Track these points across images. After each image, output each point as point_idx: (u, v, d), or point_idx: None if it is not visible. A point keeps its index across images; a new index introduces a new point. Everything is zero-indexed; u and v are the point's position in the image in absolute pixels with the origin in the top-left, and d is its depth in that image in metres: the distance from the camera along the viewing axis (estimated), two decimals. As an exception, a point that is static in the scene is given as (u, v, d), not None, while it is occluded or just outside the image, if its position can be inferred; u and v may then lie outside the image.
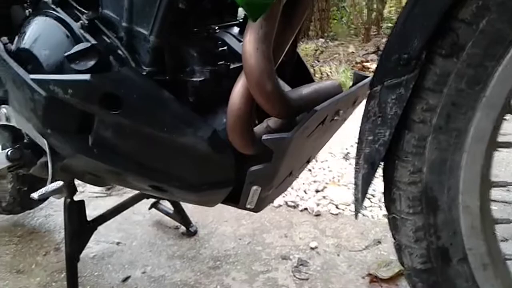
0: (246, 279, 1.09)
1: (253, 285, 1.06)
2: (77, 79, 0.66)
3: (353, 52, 3.74)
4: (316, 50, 3.74)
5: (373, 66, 3.21)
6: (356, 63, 3.33)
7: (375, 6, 4.30)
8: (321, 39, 4.35)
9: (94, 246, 1.31)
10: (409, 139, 0.52)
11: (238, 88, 0.60)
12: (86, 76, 0.65)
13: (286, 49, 0.65)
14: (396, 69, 0.49)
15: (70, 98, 0.68)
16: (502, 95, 0.48)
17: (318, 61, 3.46)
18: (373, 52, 3.61)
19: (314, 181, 1.58)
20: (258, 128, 0.70)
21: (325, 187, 1.54)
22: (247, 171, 0.69)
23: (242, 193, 0.74)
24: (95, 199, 1.65)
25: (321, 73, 2.98)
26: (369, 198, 1.45)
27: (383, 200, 1.41)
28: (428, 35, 0.46)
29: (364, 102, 0.80)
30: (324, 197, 1.48)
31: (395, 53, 0.49)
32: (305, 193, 1.52)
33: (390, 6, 4.57)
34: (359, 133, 0.56)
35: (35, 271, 1.22)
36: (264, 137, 0.62)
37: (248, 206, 0.78)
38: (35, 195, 0.73)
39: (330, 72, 2.98)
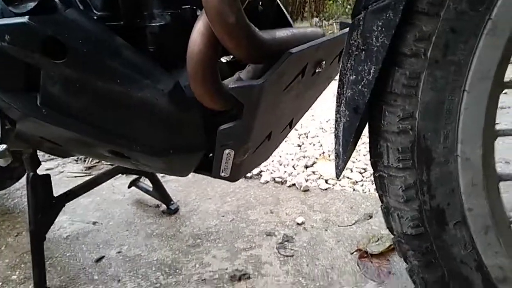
0: (228, 257, 1.01)
1: (234, 262, 0.98)
2: (14, 23, 0.57)
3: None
4: (309, 28, 3.63)
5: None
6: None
7: (370, -17, 4.17)
8: (315, 19, 4.23)
9: (68, 226, 1.23)
10: (398, 78, 0.43)
11: (198, 26, 0.51)
12: (24, 19, 0.56)
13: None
14: (383, -13, 0.40)
15: (8, 46, 0.58)
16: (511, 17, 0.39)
17: (311, 39, 3.35)
18: (368, 30, 3.50)
19: (304, 157, 1.50)
20: (227, 81, 0.61)
21: (314, 163, 1.46)
22: (217, 131, 0.61)
23: (214, 158, 0.66)
24: (74, 179, 1.56)
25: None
26: (360, 173, 1.36)
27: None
28: None
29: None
30: (313, 172, 1.40)
31: (381, -33, 0.40)
32: (294, 168, 1.44)
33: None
34: (340, 73, 0.47)
35: (4, 252, 1.14)
36: (230, 85, 0.53)
37: (222, 174, 0.70)
38: (-27, 160, 0.64)
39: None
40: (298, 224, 1.12)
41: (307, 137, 1.66)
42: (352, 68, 0.44)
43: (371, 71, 0.43)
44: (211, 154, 0.72)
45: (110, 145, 0.66)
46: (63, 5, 0.60)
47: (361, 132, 0.50)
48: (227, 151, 0.65)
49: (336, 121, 0.48)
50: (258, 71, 0.60)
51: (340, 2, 4.70)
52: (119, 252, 1.08)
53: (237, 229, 1.13)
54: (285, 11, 0.79)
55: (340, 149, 0.48)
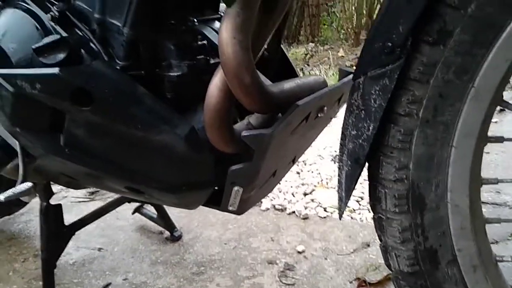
0: (231, 285, 1.05)
1: (237, 291, 1.02)
2: (45, 73, 0.62)
3: (342, 56, 3.73)
4: (306, 54, 3.73)
5: (363, 69, 3.20)
6: (346, 66, 3.32)
7: (364, 11, 4.31)
8: (311, 44, 4.35)
9: (74, 253, 1.26)
10: (394, 134, 0.49)
11: (216, 81, 0.57)
12: (55, 70, 0.61)
13: (267, 41, 0.62)
14: (380, 58, 0.46)
15: (38, 94, 0.64)
16: (492, 85, 0.45)
17: (308, 65, 3.45)
18: (363, 56, 3.60)
19: (303, 184, 1.55)
20: (238, 126, 0.67)
21: (313, 190, 1.51)
22: (228, 171, 0.66)
23: (223, 195, 0.71)
24: (77, 204, 1.60)
25: (311, 77, 2.96)
26: (357, 201, 1.42)
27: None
28: (413, 21, 0.43)
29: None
30: (312, 200, 1.45)
31: (379, 41, 0.46)
32: (293, 196, 1.49)
33: (379, 10, 4.58)
34: (342, 127, 0.53)
35: (12, 278, 1.17)
36: (243, 133, 0.59)
37: (230, 208, 0.75)
38: (1, 197, 0.68)
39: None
40: (298, 252, 1.17)
41: (305, 164, 1.71)
42: (353, 124, 0.50)
43: (370, 127, 0.49)
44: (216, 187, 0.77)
45: (128, 182, 0.71)
46: (89, 56, 0.66)
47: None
48: (236, 188, 0.70)
49: (339, 168, 0.54)
50: (266, 117, 0.66)
51: (335, 27, 4.82)
52: (125, 279, 1.12)
53: (239, 256, 1.17)
54: (289, 57, 0.86)
55: (343, 194, 0.53)
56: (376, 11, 4.53)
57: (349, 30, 4.30)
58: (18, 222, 1.49)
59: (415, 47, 0.45)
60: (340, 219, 0.57)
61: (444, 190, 0.50)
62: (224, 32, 0.52)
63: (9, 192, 0.69)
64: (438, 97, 0.47)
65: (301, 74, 3.12)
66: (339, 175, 0.54)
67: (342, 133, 0.53)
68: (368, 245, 1.18)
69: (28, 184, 0.70)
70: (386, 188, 0.52)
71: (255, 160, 0.63)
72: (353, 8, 4.31)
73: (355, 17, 4.30)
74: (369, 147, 0.49)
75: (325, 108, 0.70)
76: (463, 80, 0.46)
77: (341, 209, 0.55)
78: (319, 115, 0.70)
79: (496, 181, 0.54)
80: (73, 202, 1.61)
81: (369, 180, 0.55)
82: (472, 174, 0.50)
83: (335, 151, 1.81)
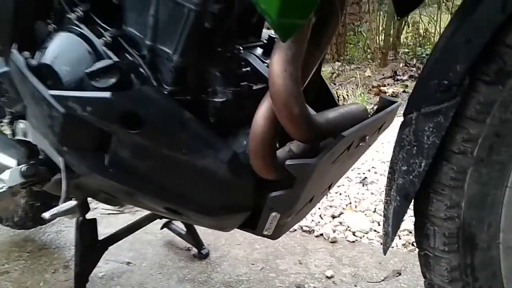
0: (259, 308, 1.04)
1: (266, 315, 1.01)
2: (96, 97, 0.64)
3: (369, 76, 3.71)
4: (332, 73, 3.73)
5: (390, 90, 3.18)
6: (373, 87, 3.31)
7: (392, 32, 4.30)
8: (337, 63, 4.35)
9: (103, 266, 1.28)
10: (446, 171, 0.49)
11: (263, 110, 0.58)
12: (106, 94, 0.63)
13: (314, 70, 0.63)
14: (435, 95, 0.46)
15: (89, 116, 0.66)
16: (551, 127, 0.45)
17: (335, 84, 3.45)
18: (390, 77, 3.58)
19: (330, 206, 1.54)
20: (280, 152, 0.67)
21: (341, 213, 1.49)
22: (268, 197, 0.66)
23: (260, 219, 0.71)
24: (107, 217, 1.62)
25: (338, 96, 2.95)
26: (388, 227, 1.39)
27: (402, 228, 1.35)
28: (471, 60, 0.43)
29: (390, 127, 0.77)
30: (340, 223, 1.43)
31: (434, 78, 0.46)
32: (321, 218, 1.47)
33: (407, 31, 4.56)
34: (391, 161, 0.52)
35: (42, 289, 1.19)
36: (287, 162, 0.59)
37: (266, 233, 0.75)
38: (46, 215, 0.70)
39: (347, 95, 2.96)
40: (327, 277, 1.15)
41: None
42: (403, 159, 0.50)
43: (422, 164, 0.48)
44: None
45: (167, 203, 0.72)
46: (139, 80, 0.68)
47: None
48: (273, 213, 0.70)
49: (386, 202, 0.54)
50: (308, 144, 0.67)
51: (361, 46, 4.82)
52: (153, 296, 1.12)
53: (267, 278, 1.17)
54: (327, 84, 0.86)
55: (390, 229, 0.53)
56: (404, 32, 4.52)
57: (376, 50, 4.28)
58: (49, 232, 1.52)
59: (472, 86, 0.45)
60: (384, 254, 0.56)
61: (496, 230, 0.49)
62: (275, 64, 0.53)
63: (54, 210, 0.71)
64: (494, 136, 0.46)
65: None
66: (385, 209, 0.54)
67: (391, 167, 0.52)
68: (399, 273, 1.15)
69: (72, 203, 0.72)
70: (435, 226, 0.51)
71: (296, 188, 0.63)
72: (381, 28, 4.31)
73: (382, 37, 4.29)
74: (420, 184, 0.49)
75: (367, 137, 0.70)
76: (521, 120, 0.45)
77: (386, 244, 0.54)
78: (360, 144, 0.70)
79: (549, 222, 0.52)
80: (103, 214, 1.64)
81: (415, 215, 0.54)
82: (526, 215, 0.49)
83: (363, 173, 1.79)
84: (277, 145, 0.73)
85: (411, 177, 0.49)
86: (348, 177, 1.78)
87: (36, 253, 1.38)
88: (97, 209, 1.67)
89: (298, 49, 0.54)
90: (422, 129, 0.48)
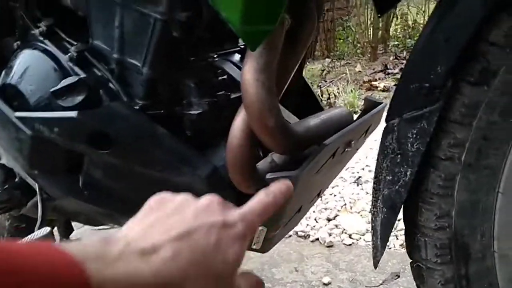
0: (255, 322, 1.00)
1: (262, 328, 0.98)
2: (63, 117, 0.61)
3: (360, 71, 3.69)
4: (322, 71, 3.70)
5: (381, 84, 3.15)
6: (364, 82, 3.28)
7: (380, 25, 4.27)
8: (327, 59, 4.32)
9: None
10: (434, 179, 0.46)
11: (238, 122, 0.54)
12: (73, 113, 0.60)
13: (290, 78, 0.59)
14: (417, 99, 0.43)
15: (56, 137, 0.62)
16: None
17: (325, 81, 3.42)
18: (381, 71, 3.55)
19: (325, 209, 1.51)
20: (261, 164, 0.64)
21: (337, 215, 1.46)
22: (251, 211, 0.63)
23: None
24: (97, 232, 1.58)
25: (329, 94, 2.92)
26: (384, 227, 1.36)
27: (398, 228, 1.31)
28: (452, 60, 0.40)
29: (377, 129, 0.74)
30: (336, 226, 1.40)
31: (415, 82, 0.43)
32: (316, 221, 1.44)
33: (396, 24, 4.54)
34: (375, 171, 0.49)
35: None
36: (268, 175, 0.56)
37: (254, 247, 0.71)
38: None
39: (338, 92, 2.93)
40: (324, 284, 1.12)
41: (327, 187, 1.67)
42: (388, 168, 0.47)
43: (407, 173, 0.45)
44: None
45: (147, 224, 0.69)
46: (108, 96, 0.64)
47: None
48: (260, 228, 0.67)
49: (373, 214, 0.50)
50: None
51: (351, 41, 4.80)
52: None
53: (263, 289, 1.13)
54: (310, 86, 0.83)
55: (378, 242, 0.50)
56: (393, 24, 4.50)
57: (365, 44, 4.26)
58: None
59: (455, 88, 0.42)
60: (375, 268, 0.53)
61: (490, 238, 0.46)
62: (246, 73, 0.49)
63: (28, 238, 0.67)
64: (482, 139, 0.43)
65: (319, 91, 3.08)
66: (372, 221, 0.51)
67: (376, 177, 0.49)
68: (398, 276, 1.12)
69: (47, 229, 0.68)
70: (426, 236, 0.48)
71: (280, 201, 0.59)
72: (369, 22, 4.28)
73: (371, 31, 4.27)
74: (407, 194, 0.46)
75: (353, 142, 0.67)
76: (509, 122, 0.42)
77: (376, 258, 0.51)
78: (346, 149, 0.67)
79: (547, 226, 0.49)
80: (93, 229, 1.60)
81: (405, 226, 0.51)
82: (521, 221, 0.45)
83: (358, 173, 1.76)
84: (261, 154, 0.70)
85: (396, 187, 0.46)
86: (342, 177, 1.75)
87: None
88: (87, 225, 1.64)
89: (270, 57, 0.50)
90: (405, 136, 0.44)
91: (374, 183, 0.49)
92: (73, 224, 0.98)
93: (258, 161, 0.65)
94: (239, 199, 0.66)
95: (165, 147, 0.62)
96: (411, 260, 0.53)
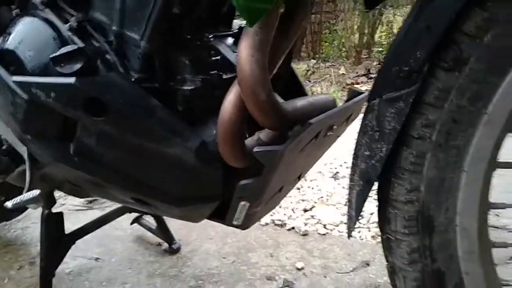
0: (230, 300, 1.04)
1: (237, 306, 1.02)
2: (61, 82, 0.63)
3: (343, 73, 3.77)
4: (307, 71, 3.77)
5: (363, 88, 3.23)
6: (347, 84, 3.36)
7: (366, 30, 4.37)
8: (312, 60, 4.39)
9: (71, 262, 1.25)
10: (406, 156, 0.50)
11: (231, 97, 0.58)
12: (71, 79, 0.62)
13: (281, 60, 0.63)
14: (396, 81, 0.47)
15: (53, 102, 0.64)
16: (504, 112, 0.47)
17: (309, 81, 3.48)
18: (364, 75, 3.65)
19: (303, 200, 1.55)
20: (249, 141, 0.68)
21: (313, 207, 1.51)
22: (237, 185, 0.66)
23: (229, 209, 0.71)
24: (75, 212, 1.59)
25: (312, 93, 2.98)
26: (358, 219, 1.42)
27: (371, 221, 1.38)
28: (431, 47, 0.44)
29: (358, 119, 0.79)
30: (312, 216, 1.45)
31: (396, 65, 0.47)
32: (293, 212, 1.49)
33: (381, 31, 4.65)
34: (355, 147, 0.53)
35: (7, 286, 1.16)
36: (255, 149, 0.60)
37: (235, 223, 0.75)
38: (9, 204, 0.68)
39: (321, 92, 2.99)
40: (298, 269, 1.16)
41: (305, 180, 1.72)
42: (366, 144, 0.51)
43: (383, 149, 0.49)
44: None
45: (135, 193, 0.72)
46: (105, 67, 0.67)
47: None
48: (243, 202, 0.70)
49: (350, 187, 0.55)
50: (276, 133, 0.67)
51: (336, 44, 4.88)
52: (122, 290, 1.11)
53: (238, 271, 1.17)
54: (297, 73, 0.87)
55: (353, 213, 0.54)
56: (378, 31, 4.60)
57: (350, 48, 4.35)
58: (14, 228, 1.48)
59: (431, 73, 0.46)
60: (349, 238, 0.57)
61: (453, 213, 0.51)
62: (242, 50, 0.53)
63: (17, 199, 0.69)
64: (451, 122, 0.48)
65: (302, 90, 3.15)
66: (349, 194, 0.55)
67: (355, 153, 0.53)
68: (368, 264, 1.18)
69: (36, 192, 0.70)
70: (396, 209, 0.53)
71: (264, 175, 0.63)
72: (355, 27, 4.37)
73: (357, 36, 4.36)
74: (382, 168, 0.50)
75: (335, 126, 0.71)
76: (476, 107, 0.47)
77: (350, 228, 0.55)
78: (328, 133, 0.71)
79: (503, 206, 0.55)
80: (71, 210, 1.60)
81: (378, 200, 0.56)
82: (481, 198, 0.51)
83: (335, 168, 1.82)
84: (247, 135, 0.74)
85: (373, 161, 0.50)
86: (320, 172, 1.80)
87: (1, 250, 1.34)
88: (65, 205, 1.64)
89: (265, 36, 0.54)
90: (384, 115, 0.49)
91: (353, 158, 0.54)
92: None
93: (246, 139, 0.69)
94: (227, 173, 0.69)
95: (157, 118, 0.65)
96: (381, 233, 0.57)
